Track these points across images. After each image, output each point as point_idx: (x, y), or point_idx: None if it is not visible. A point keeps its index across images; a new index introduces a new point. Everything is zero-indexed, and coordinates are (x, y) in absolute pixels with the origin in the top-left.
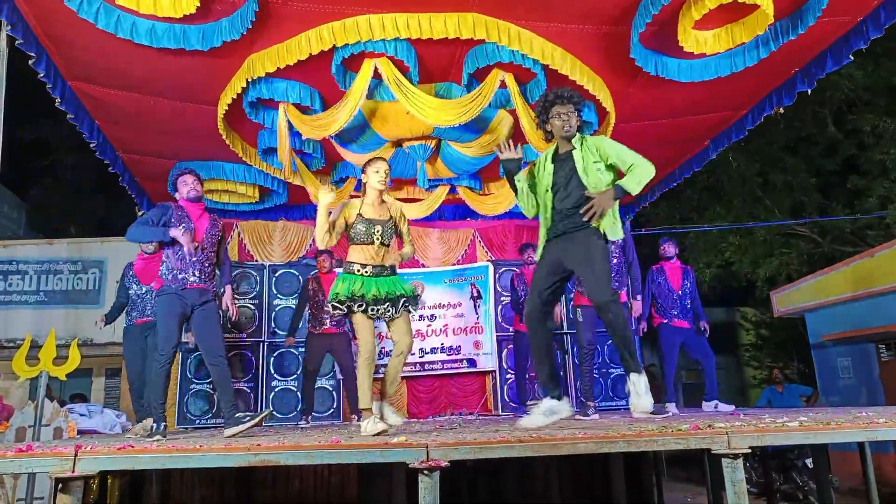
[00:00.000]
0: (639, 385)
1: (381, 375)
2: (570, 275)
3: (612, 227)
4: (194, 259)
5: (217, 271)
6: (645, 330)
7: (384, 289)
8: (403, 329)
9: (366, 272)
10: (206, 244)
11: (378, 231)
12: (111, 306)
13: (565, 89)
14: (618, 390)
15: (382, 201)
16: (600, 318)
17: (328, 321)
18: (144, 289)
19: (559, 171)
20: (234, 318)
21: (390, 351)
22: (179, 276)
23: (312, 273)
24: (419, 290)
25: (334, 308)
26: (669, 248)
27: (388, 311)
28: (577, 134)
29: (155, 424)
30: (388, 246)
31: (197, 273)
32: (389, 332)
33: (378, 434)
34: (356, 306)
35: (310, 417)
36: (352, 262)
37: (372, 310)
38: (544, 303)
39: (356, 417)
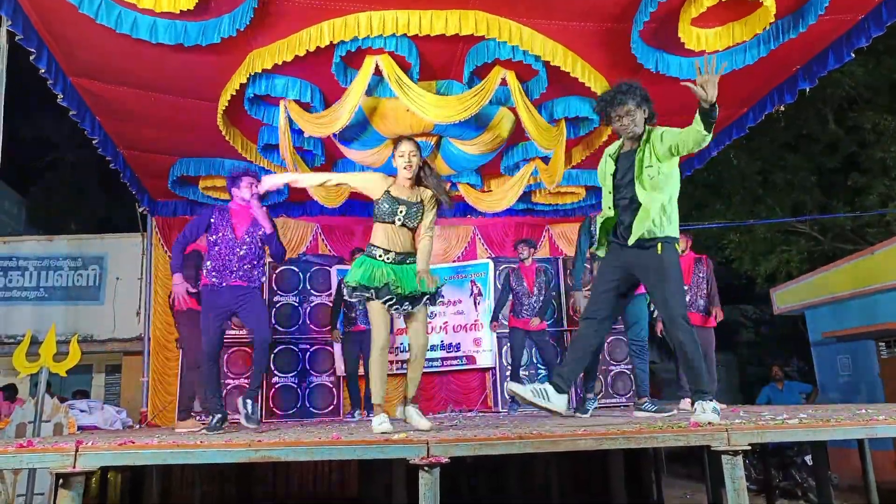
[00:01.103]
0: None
1: (398, 373)
2: (637, 283)
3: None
4: (235, 258)
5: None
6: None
7: (404, 282)
8: (419, 329)
9: (388, 259)
10: (248, 241)
11: (402, 211)
12: None
13: (620, 86)
14: (617, 387)
15: (414, 185)
16: (669, 336)
17: (358, 319)
18: None
19: (620, 169)
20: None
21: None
22: (223, 273)
23: (344, 273)
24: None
25: (348, 292)
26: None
27: (407, 306)
28: (645, 128)
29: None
30: (410, 229)
31: (237, 270)
32: (406, 327)
33: (382, 433)
34: (373, 295)
35: (360, 412)
36: (375, 247)
37: (390, 301)
38: (608, 304)
39: (355, 413)
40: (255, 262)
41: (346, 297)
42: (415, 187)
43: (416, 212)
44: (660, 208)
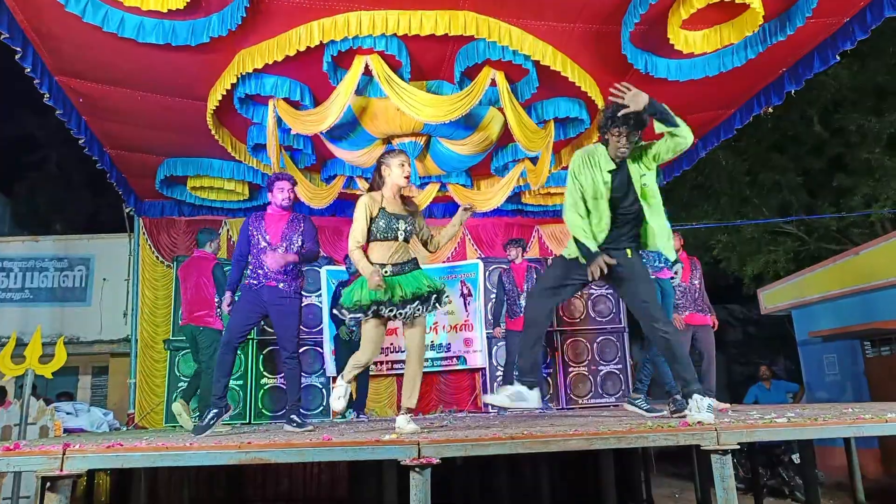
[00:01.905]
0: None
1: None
2: (587, 283)
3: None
4: (272, 261)
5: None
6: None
7: (410, 287)
8: (417, 333)
9: (386, 272)
10: (284, 246)
11: (402, 226)
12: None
13: (634, 112)
14: (607, 387)
15: (402, 195)
16: (654, 335)
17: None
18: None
19: (616, 181)
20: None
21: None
22: (258, 274)
23: (334, 273)
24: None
25: (353, 314)
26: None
27: (419, 309)
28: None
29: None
30: (409, 242)
31: (273, 273)
32: (405, 335)
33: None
34: (385, 310)
35: (352, 412)
36: (374, 263)
37: (400, 312)
38: (555, 296)
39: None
40: (291, 269)
41: (343, 318)
42: (403, 198)
43: (412, 224)
44: (664, 224)
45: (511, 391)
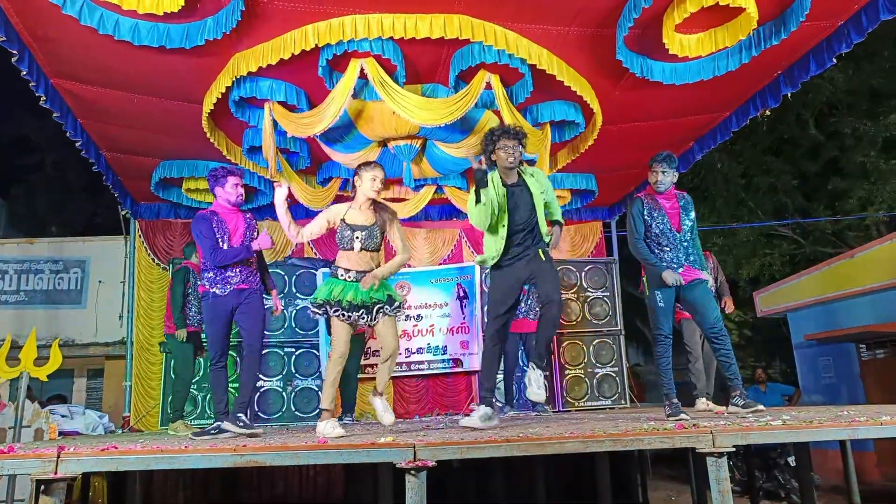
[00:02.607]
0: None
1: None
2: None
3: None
4: (237, 266)
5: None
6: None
7: (361, 296)
8: (387, 334)
9: (349, 277)
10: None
11: (359, 237)
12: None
13: (512, 126)
14: (603, 390)
15: (372, 205)
16: (544, 313)
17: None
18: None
19: (513, 198)
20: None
21: (377, 351)
22: (222, 280)
23: (311, 274)
24: (404, 291)
25: (313, 310)
26: None
27: (364, 318)
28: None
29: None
30: (372, 251)
31: (239, 274)
32: (376, 336)
33: (337, 438)
34: (332, 311)
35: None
36: (337, 266)
37: (345, 315)
38: (507, 323)
39: (344, 416)
40: (253, 268)
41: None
42: (371, 207)
43: (375, 234)
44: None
45: (483, 413)
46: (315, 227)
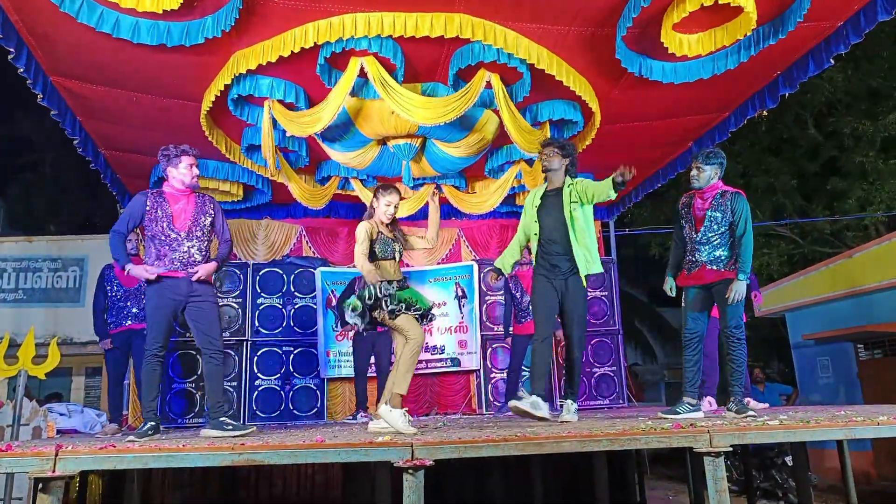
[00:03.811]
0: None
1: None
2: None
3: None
4: (183, 249)
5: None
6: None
7: (422, 302)
8: (403, 342)
9: (392, 289)
10: (195, 230)
11: (397, 248)
12: (95, 319)
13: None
14: (601, 389)
15: (389, 223)
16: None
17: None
18: (123, 292)
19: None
20: (196, 276)
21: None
22: (163, 268)
23: (328, 274)
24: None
25: (386, 312)
26: None
27: (423, 321)
28: (566, 178)
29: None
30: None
31: (186, 263)
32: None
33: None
34: (404, 309)
35: (364, 412)
36: (382, 280)
37: (424, 318)
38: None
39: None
40: (203, 257)
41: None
42: (386, 226)
43: (401, 244)
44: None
45: (532, 400)
46: (366, 249)
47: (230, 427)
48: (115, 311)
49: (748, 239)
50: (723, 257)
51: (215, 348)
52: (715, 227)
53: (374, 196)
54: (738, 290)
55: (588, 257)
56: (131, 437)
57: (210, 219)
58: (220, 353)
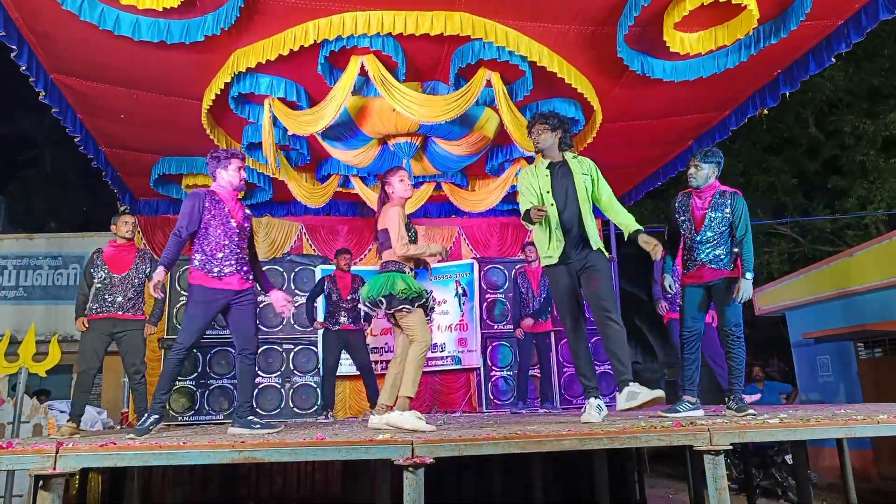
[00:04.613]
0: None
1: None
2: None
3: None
4: (230, 251)
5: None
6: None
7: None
8: (404, 341)
9: (412, 274)
10: (246, 231)
11: (414, 233)
12: (77, 303)
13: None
14: (601, 387)
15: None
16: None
17: (344, 318)
18: (114, 279)
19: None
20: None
21: (375, 347)
22: (217, 270)
23: (328, 272)
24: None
25: (408, 308)
26: None
27: (429, 313)
28: (565, 151)
29: (148, 417)
30: None
31: (235, 266)
32: (402, 332)
33: (426, 431)
34: (418, 304)
35: (330, 413)
36: (403, 264)
37: (432, 307)
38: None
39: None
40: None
41: (386, 306)
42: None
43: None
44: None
45: (597, 405)
46: (405, 233)
47: (258, 426)
48: (100, 298)
49: (749, 239)
50: (721, 256)
51: (252, 349)
52: (715, 226)
53: (384, 182)
54: (746, 288)
55: (594, 231)
56: (131, 434)
57: (249, 222)
58: (256, 353)
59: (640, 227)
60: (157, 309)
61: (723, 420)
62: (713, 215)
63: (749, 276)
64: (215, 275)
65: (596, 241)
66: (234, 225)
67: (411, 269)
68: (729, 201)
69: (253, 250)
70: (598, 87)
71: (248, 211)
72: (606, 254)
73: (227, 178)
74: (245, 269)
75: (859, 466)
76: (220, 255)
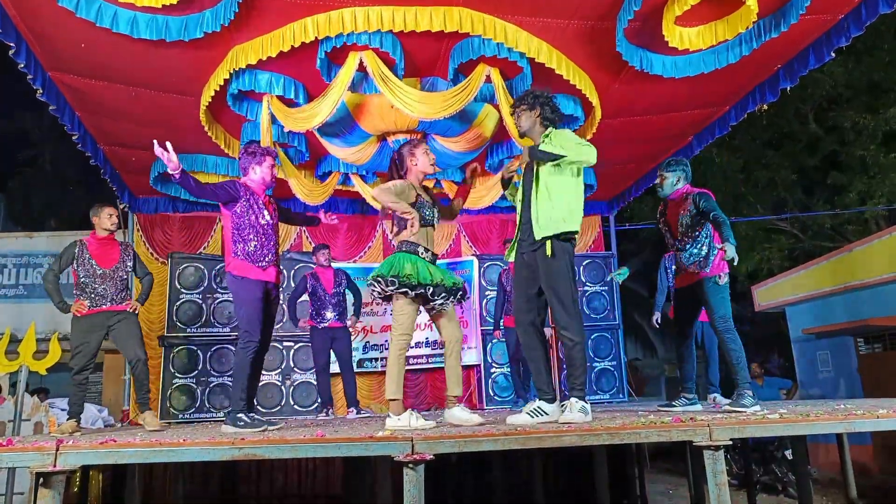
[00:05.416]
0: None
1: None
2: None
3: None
4: (268, 241)
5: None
6: (659, 322)
7: (439, 277)
8: (455, 322)
9: (427, 257)
10: (276, 229)
11: (436, 213)
12: (52, 288)
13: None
14: (601, 384)
15: (423, 185)
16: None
17: (331, 314)
18: (104, 273)
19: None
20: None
21: (375, 345)
22: (262, 260)
23: (309, 269)
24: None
25: (382, 289)
26: None
27: (445, 302)
28: (543, 130)
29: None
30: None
31: (273, 258)
32: (437, 325)
33: (427, 428)
34: (428, 291)
35: (330, 409)
36: (416, 244)
37: (433, 298)
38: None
39: (354, 410)
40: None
41: (380, 288)
42: (422, 186)
43: (437, 210)
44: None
45: (531, 408)
46: (396, 206)
47: (241, 423)
48: (90, 293)
49: (721, 215)
50: (695, 255)
51: (267, 345)
52: (688, 229)
53: (404, 153)
54: (729, 250)
55: (551, 215)
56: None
57: (277, 217)
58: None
59: (548, 152)
60: (142, 295)
61: (722, 416)
62: (683, 218)
63: (731, 241)
64: (261, 265)
65: (543, 228)
66: (269, 217)
67: (426, 251)
68: (693, 198)
69: (285, 214)
70: (598, 82)
71: (276, 205)
72: (549, 245)
73: (261, 173)
74: (279, 264)
75: (859, 461)
76: (260, 246)
